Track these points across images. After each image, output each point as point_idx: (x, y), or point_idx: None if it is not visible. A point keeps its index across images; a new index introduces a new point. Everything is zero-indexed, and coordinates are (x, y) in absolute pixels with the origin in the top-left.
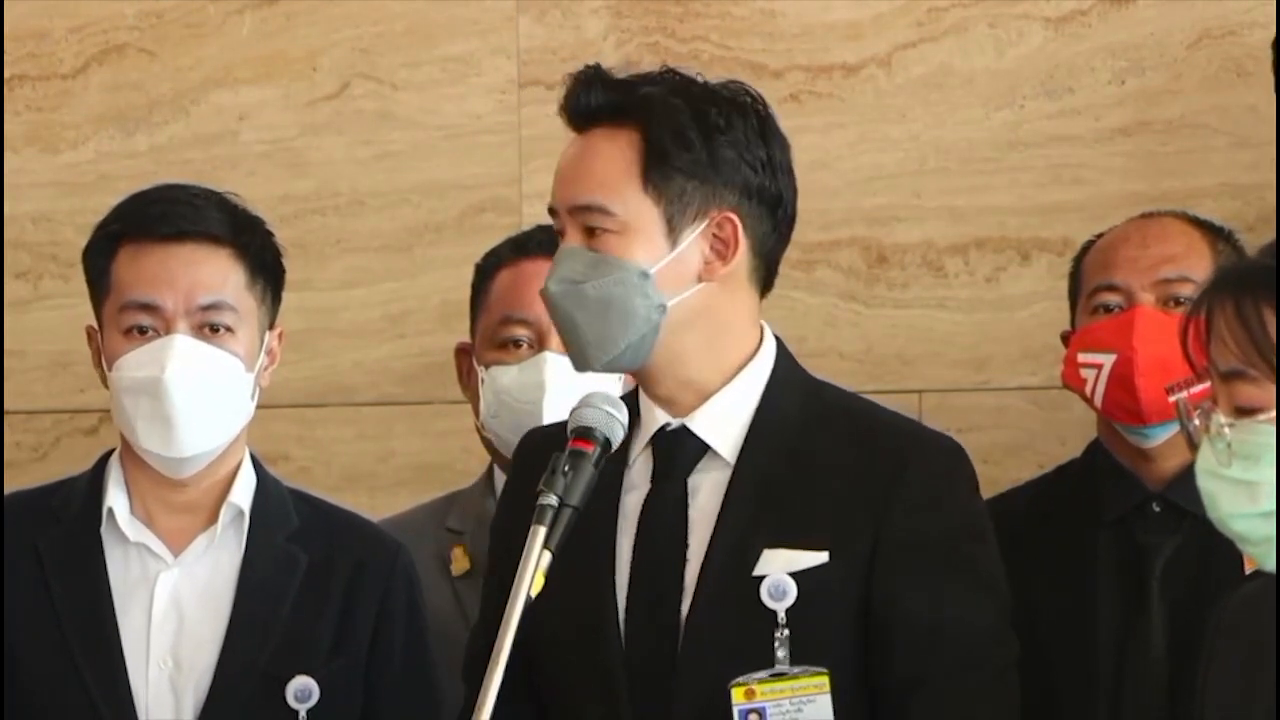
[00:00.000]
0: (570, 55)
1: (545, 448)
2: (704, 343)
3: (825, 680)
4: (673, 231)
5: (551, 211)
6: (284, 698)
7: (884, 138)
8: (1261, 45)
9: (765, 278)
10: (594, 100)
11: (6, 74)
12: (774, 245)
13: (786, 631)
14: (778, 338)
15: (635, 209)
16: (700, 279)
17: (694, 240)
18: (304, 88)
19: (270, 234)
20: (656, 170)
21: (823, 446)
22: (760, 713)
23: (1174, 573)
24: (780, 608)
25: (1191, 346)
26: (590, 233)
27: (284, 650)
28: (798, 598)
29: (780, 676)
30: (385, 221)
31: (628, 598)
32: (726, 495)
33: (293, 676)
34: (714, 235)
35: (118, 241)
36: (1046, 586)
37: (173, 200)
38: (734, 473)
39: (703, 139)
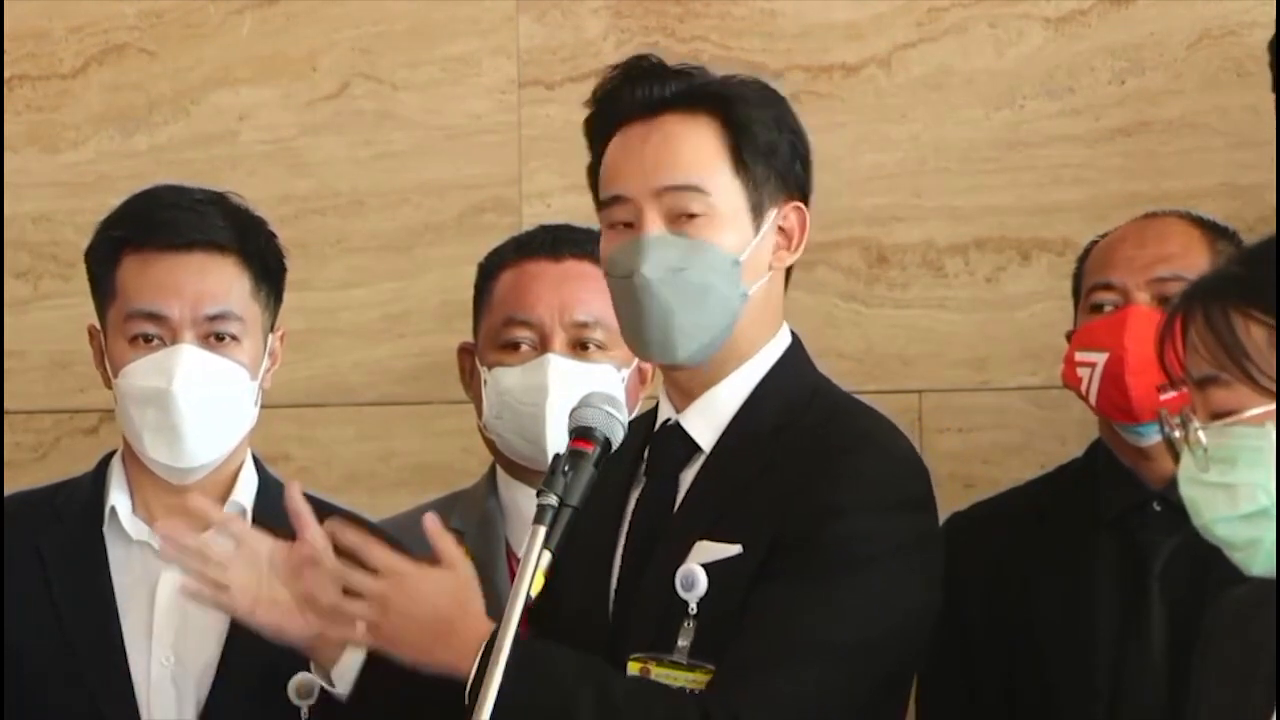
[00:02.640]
0: (570, 55)
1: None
2: (757, 334)
3: None
4: (756, 217)
5: (614, 201)
6: (286, 694)
7: (884, 138)
8: (1261, 45)
9: (788, 274)
10: (669, 88)
11: (6, 74)
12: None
13: (694, 622)
14: (795, 335)
15: (727, 193)
16: (770, 267)
17: (770, 227)
18: (304, 88)
19: (273, 236)
20: (745, 152)
21: (783, 451)
22: None
23: (1173, 572)
24: (691, 598)
25: (1167, 356)
26: (680, 218)
27: (286, 647)
28: (709, 589)
29: (676, 664)
30: (385, 221)
31: (617, 589)
32: (689, 488)
33: (294, 673)
34: (779, 226)
35: (122, 248)
36: (1046, 586)
37: (177, 206)
38: (701, 467)
39: (775, 125)
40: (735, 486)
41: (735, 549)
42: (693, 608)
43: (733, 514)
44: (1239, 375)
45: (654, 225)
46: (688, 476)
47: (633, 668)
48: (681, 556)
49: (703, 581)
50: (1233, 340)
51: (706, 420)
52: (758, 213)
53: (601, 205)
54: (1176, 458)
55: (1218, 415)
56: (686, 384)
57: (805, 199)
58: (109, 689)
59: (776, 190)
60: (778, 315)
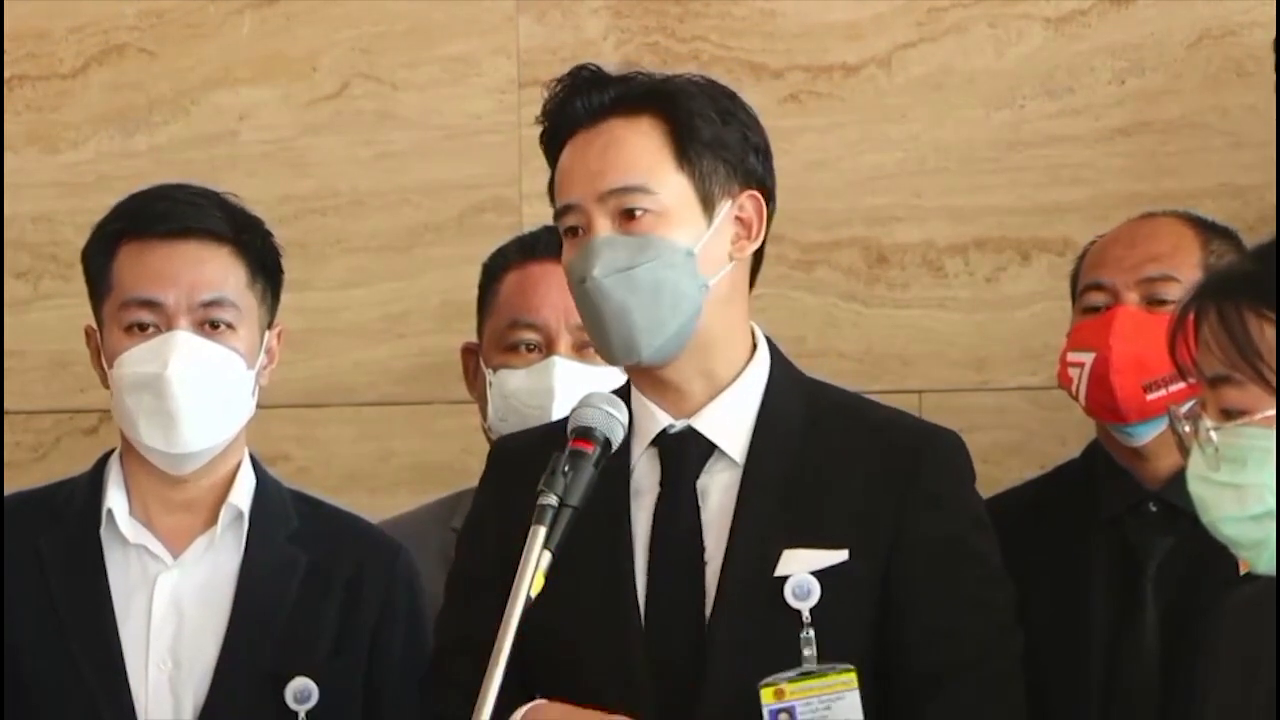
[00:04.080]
0: (570, 55)
1: (519, 460)
2: (729, 327)
3: (853, 677)
4: (708, 209)
5: (566, 210)
6: (283, 698)
7: (884, 138)
8: (1261, 45)
9: (754, 271)
10: (608, 95)
11: (6, 74)
12: (766, 237)
13: (812, 630)
14: (768, 337)
15: (673, 188)
16: (731, 258)
17: (725, 217)
18: (304, 88)
19: (269, 234)
20: (689, 147)
21: (832, 446)
22: (790, 712)
23: (1168, 573)
24: (805, 607)
25: (1179, 353)
26: (627, 218)
27: (284, 651)
28: (821, 596)
29: (808, 675)
30: (385, 221)
31: (646, 603)
32: (740, 496)
33: (292, 677)
34: (737, 216)
35: (118, 239)
36: (1041, 586)
37: (173, 199)
38: (745, 473)
39: (720, 118)
40: (796, 492)
41: (842, 554)
42: (806, 615)
43: (811, 520)
44: (1251, 375)
45: (602, 228)
46: (707, 483)
47: (766, 694)
48: (767, 567)
49: (817, 589)
50: (1245, 340)
51: (727, 424)
52: (708, 205)
53: (556, 216)
54: (1186, 453)
55: (1229, 414)
56: (685, 388)
57: (764, 188)
58: (106, 692)
59: (728, 181)
60: (745, 307)
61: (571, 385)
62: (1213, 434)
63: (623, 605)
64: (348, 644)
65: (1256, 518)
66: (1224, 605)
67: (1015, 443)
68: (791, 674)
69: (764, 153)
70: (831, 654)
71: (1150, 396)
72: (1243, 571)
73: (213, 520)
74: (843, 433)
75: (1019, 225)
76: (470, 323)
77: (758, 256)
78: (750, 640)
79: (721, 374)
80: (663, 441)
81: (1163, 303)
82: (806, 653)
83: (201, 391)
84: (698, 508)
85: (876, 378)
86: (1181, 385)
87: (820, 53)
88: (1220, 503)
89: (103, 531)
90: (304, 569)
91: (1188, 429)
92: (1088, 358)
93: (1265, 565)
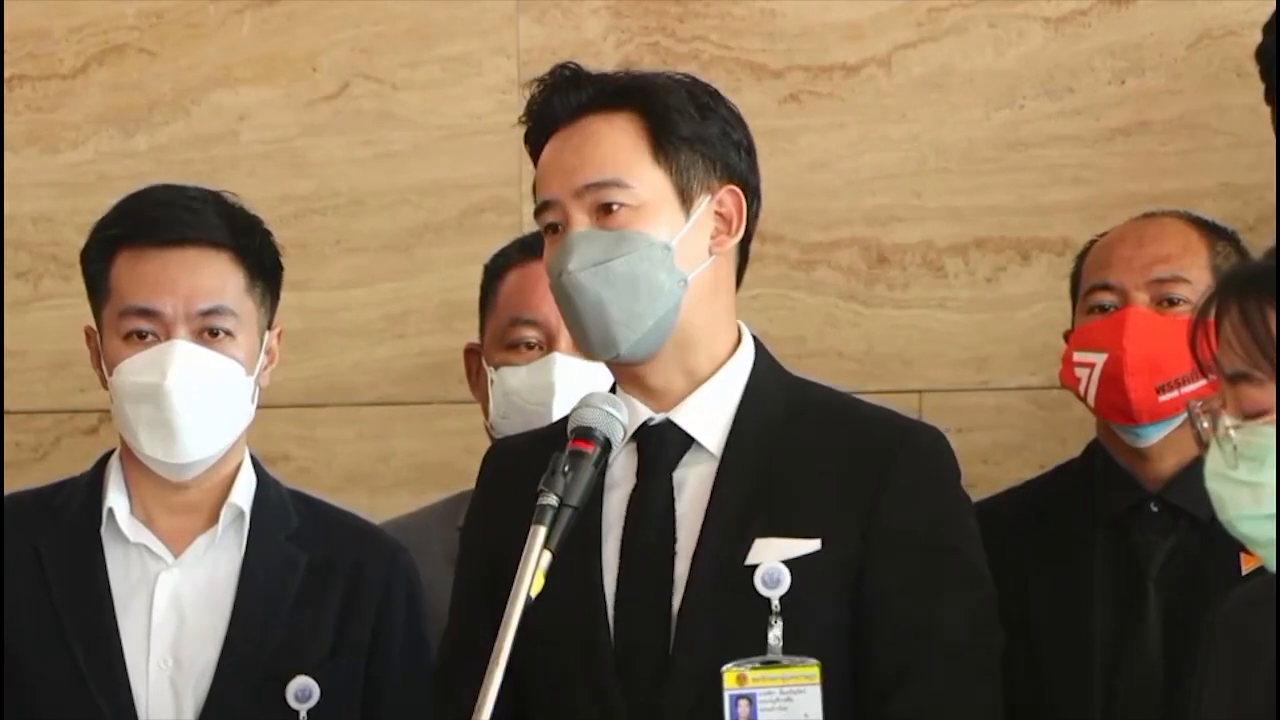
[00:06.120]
0: (570, 55)
1: (514, 462)
2: (710, 321)
3: (816, 672)
4: (685, 203)
5: (545, 206)
6: (284, 698)
7: (884, 138)
8: None
9: (740, 269)
10: (586, 94)
11: (6, 74)
12: (749, 234)
13: (780, 619)
14: (756, 336)
15: (649, 182)
16: (711, 252)
17: (704, 212)
18: (304, 88)
19: (269, 234)
20: (665, 141)
21: (809, 441)
22: (750, 699)
23: (1170, 573)
24: (774, 595)
25: (1200, 349)
26: (604, 213)
27: (284, 650)
28: (791, 585)
29: (772, 664)
30: (385, 221)
31: (616, 593)
32: (715, 487)
33: (293, 676)
34: (716, 211)
35: (116, 245)
36: (1043, 585)
37: (171, 204)
38: (721, 465)
39: (699, 114)
40: (770, 484)
41: (814, 544)
42: (776, 604)
43: (783, 511)
44: (1271, 373)
45: (579, 223)
46: (684, 476)
47: (729, 678)
48: (738, 555)
49: (787, 578)
50: (1266, 338)
51: (705, 418)
52: (686, 199)
53: (536, 214)
54: (1204, 449)
55: (1248, 412)
56: (666, 384)
57: (745, 184)
58: (107, 691)
59: (706, 176)
60: (730, 302)
61: (572, 382)
62: (1231, 431)
63: (590, 593)
64: (348, 643)
65: (1272, 516)
66: (1224, 604)
67: (1015, 443)
68: (756, 661)
69: (747, 149)
70: (799, 644)
71: (1163, 398)
72: (1245, 570)
73: (213, 520)
74: (823, 428)
75: (1019, 225)
76: (471, 322)
77: (744, 254)
78: (718, 629)
79: (702, 369)
80: (641, 435)
81: (1173, 303)
82: (772, 641)
83: (201, 401)
84: (672, 497)
85: (876, 378)
86: (1193, 386)
87: (820, 53)
88: (1238, 501)
89: (103, 531)
90: (304, 568)
91: (1206, 425)
92: (1098, 358)
93: (1275, 565)
